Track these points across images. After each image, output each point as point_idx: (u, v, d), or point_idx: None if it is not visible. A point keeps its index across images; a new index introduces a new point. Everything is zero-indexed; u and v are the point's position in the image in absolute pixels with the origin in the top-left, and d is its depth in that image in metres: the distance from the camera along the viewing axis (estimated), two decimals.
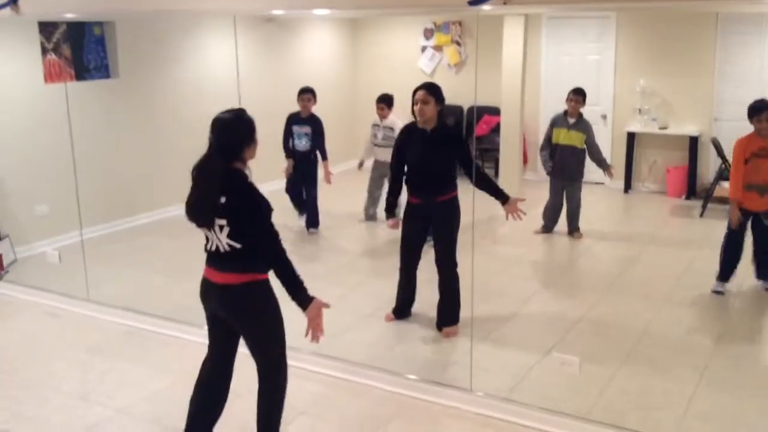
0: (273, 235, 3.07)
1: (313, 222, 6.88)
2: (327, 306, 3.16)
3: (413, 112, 4.49)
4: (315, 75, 9.08)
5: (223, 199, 3.00)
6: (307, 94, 6.65)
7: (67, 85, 6.08)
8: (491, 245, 6.46)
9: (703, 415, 3.69)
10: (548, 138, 6.73)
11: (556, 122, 6.66)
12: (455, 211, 4.57)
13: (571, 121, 6.54)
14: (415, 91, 4.47)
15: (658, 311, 5.09)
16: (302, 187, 6.84)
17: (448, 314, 4.67)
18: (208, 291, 3.17)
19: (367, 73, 9.64)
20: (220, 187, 3.00)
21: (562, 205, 6.80)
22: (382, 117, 6.76)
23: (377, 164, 6.87)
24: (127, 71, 7.00)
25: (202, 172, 3.07)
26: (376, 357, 4.31)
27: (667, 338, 4.66)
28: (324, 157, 6.74)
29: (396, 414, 3.76)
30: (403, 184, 4.66)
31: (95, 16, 6.19)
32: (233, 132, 3.07)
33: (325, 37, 9.62)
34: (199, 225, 3.07)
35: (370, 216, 7.11)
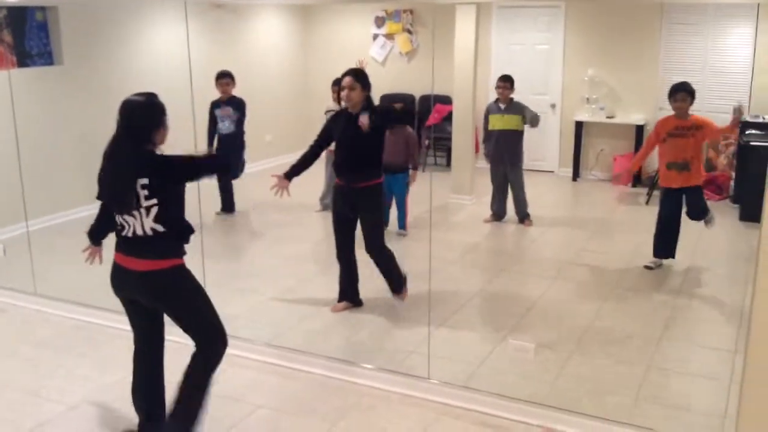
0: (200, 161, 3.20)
1: (228, 206, 6.97)
2: None
3: (339, 97, 4.64)
4: (265, 62, 8.99)
5: (145, 181, 2.97)
6: (225, 78, 6.71)
7: (10, 72, 5.89)
8: (445, 233, 6.50)
9: (653, 398, 3.79)
10: (486, 128, 6.85)
11: (490, 110, 6.79)
12: (378, 197, 4.70)
13: (503, 106, 6.66)
14: (341, 77, 4.58)
15: (608, 296, 5.20)
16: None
17: (397, 285, 4.87)
18: (124, 278, 3.13)
19: (319, 61, 9.57)
20: (134, 170, 2.97)
21: (506, 191, 6.88)
22: (338, 100, 6.74)
23: (332, 153, 6.81)
24: (72, 58, 6.81)
25: (111, 156, 3.03)
26: (333, 347, 4.30)
27: (618, 322, 4.77)
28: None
29: (354, 404, 3.77)
30: (313, 160, 4.77)
31: (40, 0, 6.01)
32: (141, 115, 3.04)
33: (276, 23, 9.51)
34: (122, 212, 3.03)
35: (325, 206, 7.08)
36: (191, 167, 3.18)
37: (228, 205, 7.00)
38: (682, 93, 5.29)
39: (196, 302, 3.18)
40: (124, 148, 2.99)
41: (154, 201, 2.99)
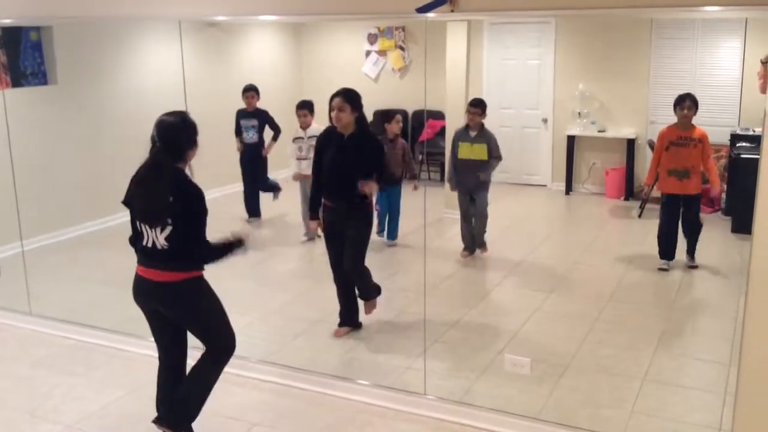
0: (204, 244, 3.16)
1: (254, 211, 7.26)
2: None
3: (330, 118, 4.52)
4: (259, 79, 8.98)
5: (170, 198, 3.06)
6: (250, 92, 7.28)
7: (4, 92, 5.90)
8: (439, 248, 6.52)
9: (649, 411, 3.81)
10: (454, 155, 6.32)
11: (460, 137, 6.28)
12: (366, 219, 4.62)
13: (473, 134, 6.19)
14: (332, 98, 4.49)
15: (602, 310, 5.22)
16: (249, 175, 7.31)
17: (365, 293, 4.81)
18: (144, 289, 3.20)
19: (312, 78, 9.61)
20: (169, 187, 3.07)
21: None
22: (306, 125, 6.59)
23: (306, 178, 6.80)
24: (66, 77, 6.82)
25: (150, 173, 3.13)
26: (327, 364, 4.31)
27: (613, 335, 4.79)
28: (273, 138, 7.28)
29: (350, 420, 3.77)
30: (321, 190, 4.65)
31: (34, 21, 6.03)
32: (178, 133, 3.15)
33: (269, 41, 9.56)
34: (152, 226, 3.10)
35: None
36: (198, 226, 3.14)
37: (254, 209, 7.31)
38: (689, 102, 5.63)
39: (213, 314, 3.27)
40: (164, 165, 3.10)
41: (168, 221, 3.07)
